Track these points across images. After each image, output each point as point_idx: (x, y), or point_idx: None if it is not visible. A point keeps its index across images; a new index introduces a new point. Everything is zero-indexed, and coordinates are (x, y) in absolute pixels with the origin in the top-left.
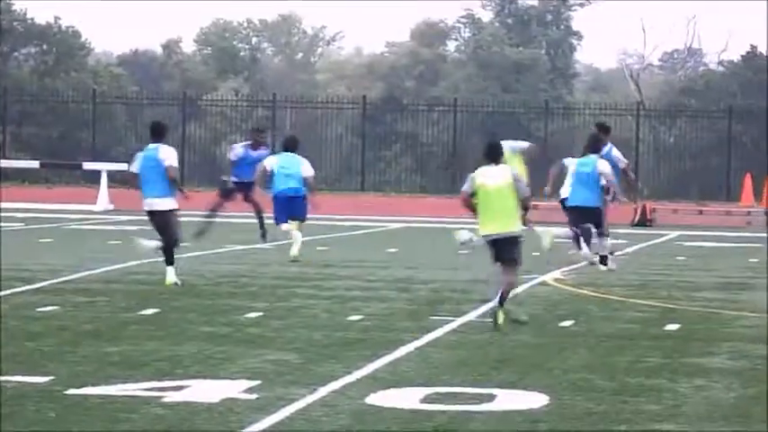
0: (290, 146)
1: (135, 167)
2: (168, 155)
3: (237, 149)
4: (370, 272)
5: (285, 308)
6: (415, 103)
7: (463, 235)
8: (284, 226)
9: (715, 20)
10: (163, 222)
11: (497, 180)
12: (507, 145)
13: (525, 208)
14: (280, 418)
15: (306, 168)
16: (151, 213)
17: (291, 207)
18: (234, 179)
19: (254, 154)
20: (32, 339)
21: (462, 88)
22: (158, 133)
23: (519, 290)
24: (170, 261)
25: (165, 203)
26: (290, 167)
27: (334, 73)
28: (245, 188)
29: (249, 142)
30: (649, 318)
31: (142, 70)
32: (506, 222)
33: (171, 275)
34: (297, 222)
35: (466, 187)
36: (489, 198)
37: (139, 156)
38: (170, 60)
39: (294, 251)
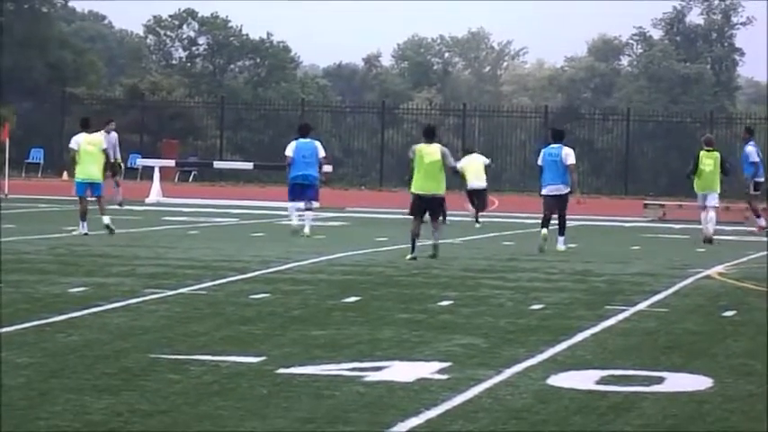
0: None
1: None
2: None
3: None
4: (551, 265)
5: (473, 297)
6: (592, 112)
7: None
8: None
9: None
10: None
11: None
12: None
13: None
14: (469, 397)
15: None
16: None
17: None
18: None
19: None
20: (246, 323)
21: (634, 99)
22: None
23: (684, 282)
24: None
25: None
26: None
27: (518, 85)
28: None
29: None
30: None
31: (345, 82)
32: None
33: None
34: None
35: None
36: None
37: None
38: (370, 73)
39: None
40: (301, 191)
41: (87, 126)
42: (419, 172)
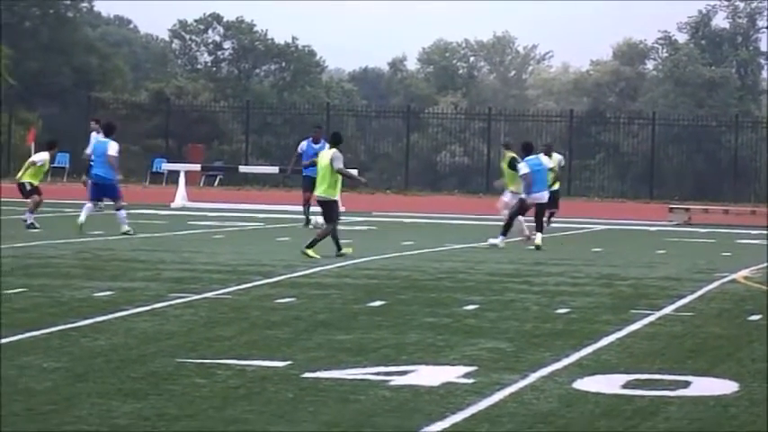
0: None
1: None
2: None
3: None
4: (577, 269)
5: (499, 301)
6: (617, 116)
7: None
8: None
9: None
10: None
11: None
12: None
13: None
14: (494, 401)
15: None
16: None
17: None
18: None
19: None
20: (271, 328)
21: (660, 103)
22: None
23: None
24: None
25: None
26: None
27: (543, 89)
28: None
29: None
30: None
31: (370, 86)
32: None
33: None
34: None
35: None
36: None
37: None
38: (395, 77)
39: None
40: (99, 191)
41: None
42: (318, 175)
